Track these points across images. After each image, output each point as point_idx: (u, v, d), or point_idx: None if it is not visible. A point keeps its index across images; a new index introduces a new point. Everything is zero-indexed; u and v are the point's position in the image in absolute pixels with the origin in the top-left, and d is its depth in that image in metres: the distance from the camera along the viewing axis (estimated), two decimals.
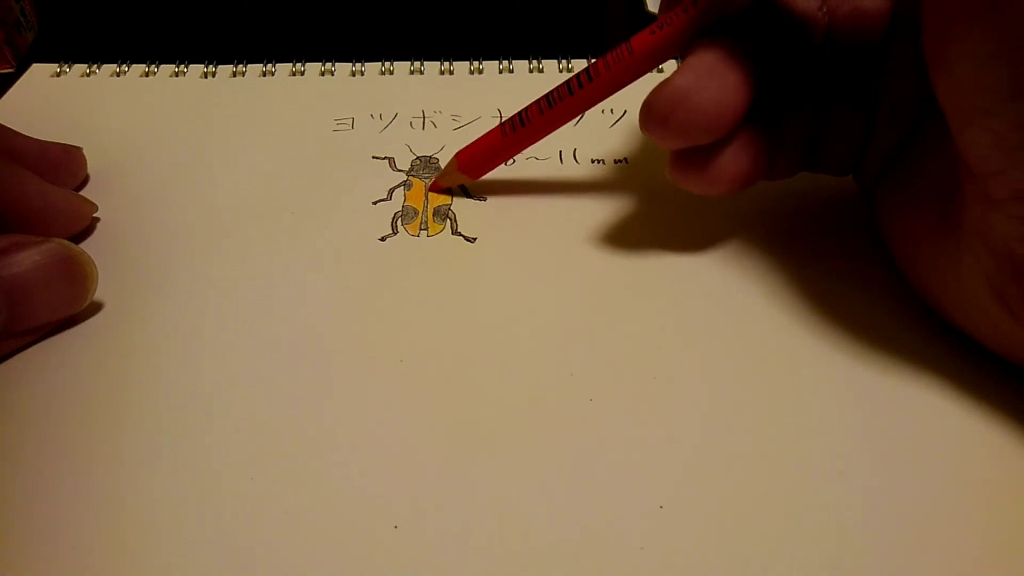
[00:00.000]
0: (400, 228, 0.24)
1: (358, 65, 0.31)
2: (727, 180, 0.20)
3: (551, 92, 0.22)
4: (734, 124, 0.19)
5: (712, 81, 0.19)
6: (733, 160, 0.20)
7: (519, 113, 0.23)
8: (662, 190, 0.25)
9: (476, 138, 0.24)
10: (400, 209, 0.24)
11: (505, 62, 0.31)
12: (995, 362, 0.19)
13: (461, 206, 0.25)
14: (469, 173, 0.24)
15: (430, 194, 0.25)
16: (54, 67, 0.31)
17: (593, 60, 0.31)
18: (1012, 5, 0.13)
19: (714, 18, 0.19)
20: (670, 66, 0.29)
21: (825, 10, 0.20)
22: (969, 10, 0.14)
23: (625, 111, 0.28)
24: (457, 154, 0.25)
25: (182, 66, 0.31)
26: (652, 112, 0.19)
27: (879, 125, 0.21)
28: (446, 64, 0.31)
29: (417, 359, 0.20)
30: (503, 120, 0.24)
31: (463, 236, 0.23)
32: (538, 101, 0.23)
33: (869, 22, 0.19)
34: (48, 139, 0.25)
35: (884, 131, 0.21)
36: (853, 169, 0.22)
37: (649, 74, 0.21)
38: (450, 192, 0.25)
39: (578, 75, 0.22)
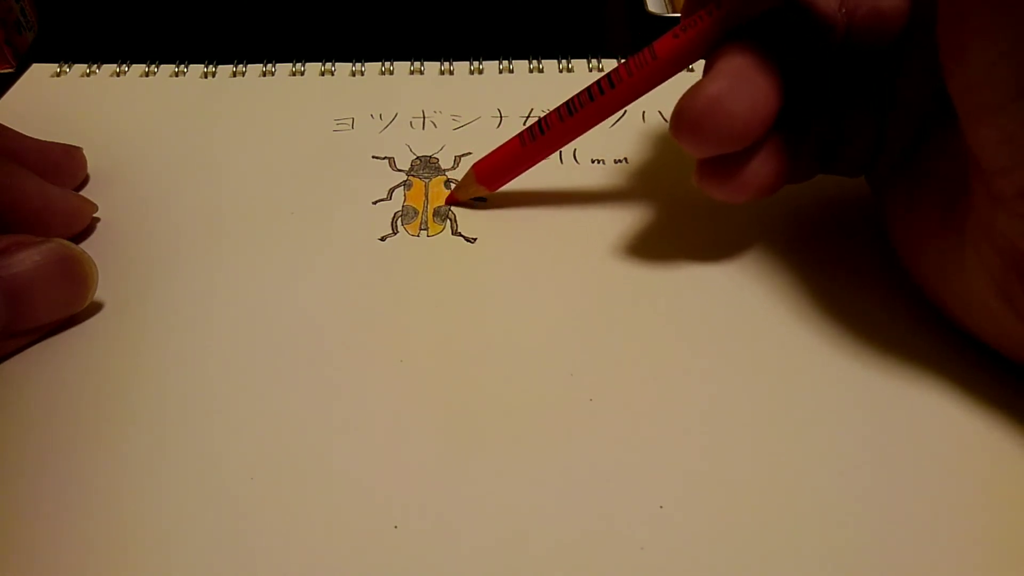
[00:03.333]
0: (400, 228, 0.24)
1: (358, 65, 0.31)
2: (756, 187, 0.20)
3: (572, 99, 0.22)
4: (765, 130, 0.19)
5: (744, 86, 0.18)
6: (762, 167, 0.20)
7: (539, 121, 0.23)
8: (662, 189, 0.25)
9: (494, 148, 0.24)
10: (400, 209, 0.24)
11: (505, 62, 0.31)
12: (998, 361, 0.19)
13: (461, 206, 0.25)
14: (487, 184, 0.24)
15: (430, 194, 0.25)
16: (54, 67, 0.31)
17: (594, 62, 0.31)
18: None
19: (738, 21, 0.19)
20: None
21: (844, 11, 0.20)
22: (982, 7, 0.14)
23: (625, 111, 0.28)
24: (474, 165, 0.24)
25: (182, 66, 0.31)
26: (684, 119, 0.19)
27: (893, 125, 0.21)
28: (446, 64, 0.31)
29: (417, 359, 0.20)
30: (522, 130, 0.23)
31: (463, 236, 0.23)
32: (558, 109, 0.22)
33: (887, 22, 0.19)
34: (48, 139, 0.25)
35: (898, 131, 0.20)
36: (866, 169, 0.22)
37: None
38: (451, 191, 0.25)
39: (599, 81, 0.21)
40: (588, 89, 0.21)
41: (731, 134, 0.19)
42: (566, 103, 0.22)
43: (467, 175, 0.24)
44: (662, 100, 0.22)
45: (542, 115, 0.23)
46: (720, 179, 0.20)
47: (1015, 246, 0.16)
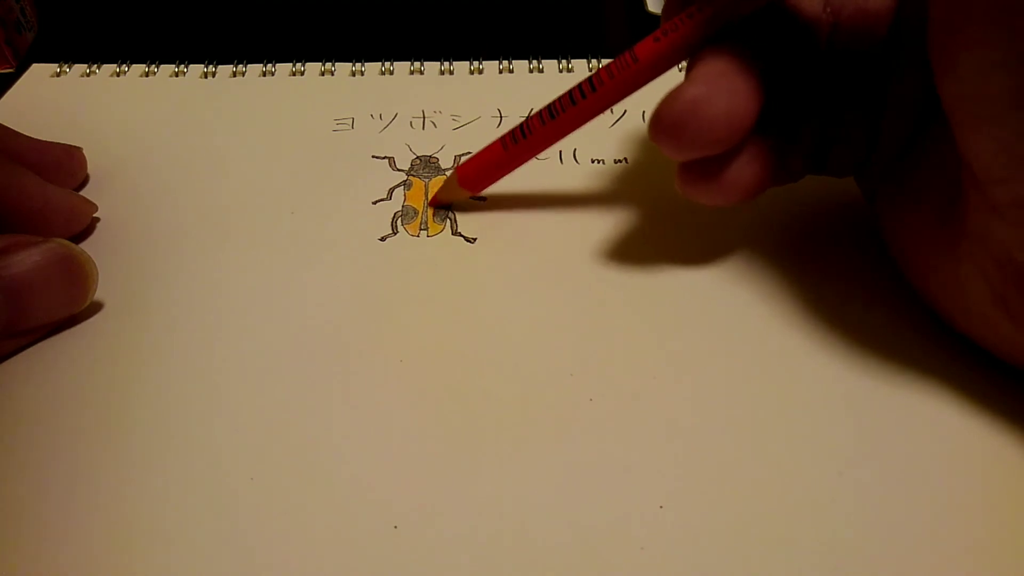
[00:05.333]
0: (400, 228, 0.24)
1: (358, 65, 0.31)
2: (738, 190, 0.20)
3: (553, 103, 0.22)
4: (746, 133, 0.19)
5: (723, 90, 0.18)
6: (744, 170, 0.20)
7: (521, 125, 0.22)
8: (662, 190, 0.25)
9: (476, 152, 0.24)
10: (400, 209, 0.24)
11: (505, 62, 0.31)
12: (994, 365, 0.19)
13: (461, 206, 0.25)
14: (470, 187, 0.24)
15: (430, 194, 0.25)
16: (54, 67, 0.31)
17: (594, 62, 0.31)
18: (1020, 13, 0.13)
19: (720, 24, 0.19)
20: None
21: (829, 11, 0.20)
22: (976, 17, 0.14)
23: (625, 111, 0.28)
24: (457, 168, 0.24)
25: (182, 66, 0.31)
26: (663, 124, 0.19)
27: (884, 127, 0.20)
28: (446, 64, 0.31)
29: (417, 359, 0.20)
30: (504, 133, 0.23)
31: (463, 236, 0.24)
32: (540, 112, 0.22)
33: (874, 23, 0.19)
34: (48, 139, 0.25)
35: (889, 133, 0.20)
36: (856, 171, 0.22)
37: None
38: None
39: (580, 85, 0.21)
40: (570, 92, 0.21)
41: (709, 138, 0.18)
42: (548, 107, 0.22)
43: (450, 177, 0.24)
44: None
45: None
46: (701, 182, 0.20)
47: (1011, 256, 0.16)
